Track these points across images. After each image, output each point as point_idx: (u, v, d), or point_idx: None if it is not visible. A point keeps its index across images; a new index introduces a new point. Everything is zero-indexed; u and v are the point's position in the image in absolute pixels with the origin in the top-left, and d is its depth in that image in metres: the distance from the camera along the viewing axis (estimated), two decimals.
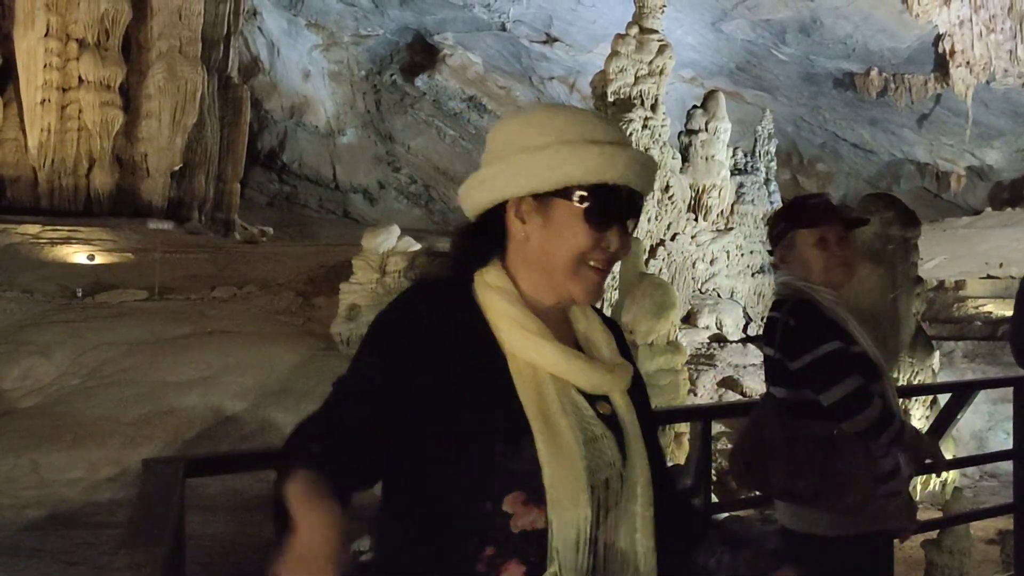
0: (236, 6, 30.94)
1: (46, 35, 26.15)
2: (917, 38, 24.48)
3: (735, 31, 27.36)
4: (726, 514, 7.76)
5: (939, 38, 24.18)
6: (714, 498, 8.46)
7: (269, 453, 2.91)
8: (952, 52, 24.12)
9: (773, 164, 24.74)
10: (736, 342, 20.45)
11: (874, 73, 26.98)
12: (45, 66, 26.20)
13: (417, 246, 20.29)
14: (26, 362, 15.99)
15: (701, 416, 4.25)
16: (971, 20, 23.14)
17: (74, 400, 14.91)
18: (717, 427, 16.07)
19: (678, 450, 12.40)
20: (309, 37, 34.98)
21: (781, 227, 3.02)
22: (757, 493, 3.22)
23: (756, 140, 24.76)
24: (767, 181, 24.15)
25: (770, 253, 3.15)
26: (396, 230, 19.80)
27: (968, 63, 24.09)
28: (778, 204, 24.01)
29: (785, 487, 2.87)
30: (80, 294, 19.12)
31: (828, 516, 2.77)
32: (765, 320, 3.09)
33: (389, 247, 19.31)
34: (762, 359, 3.23)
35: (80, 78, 26.73)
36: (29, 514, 11.66)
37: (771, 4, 25.22)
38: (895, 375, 7.07)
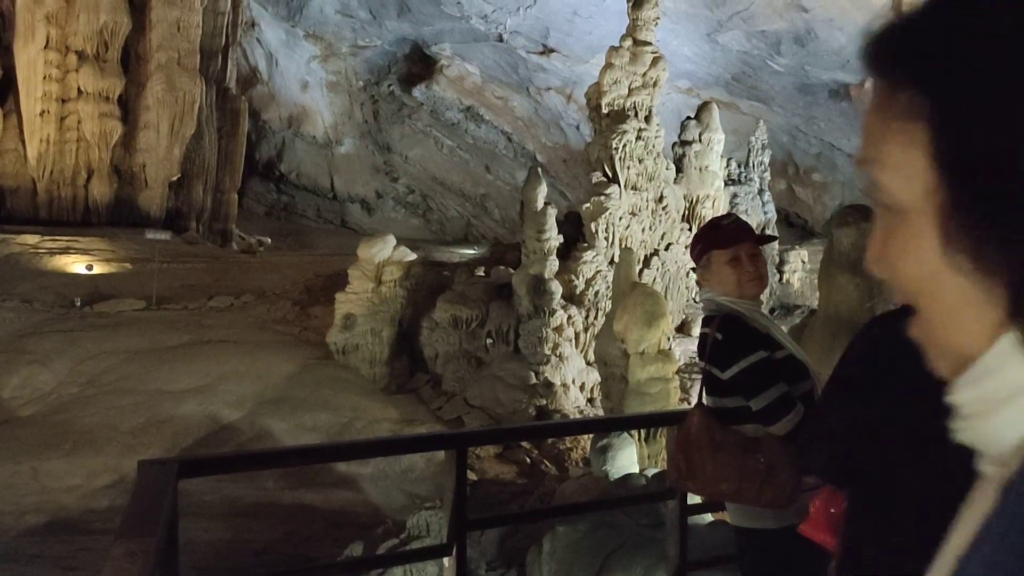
0: (235, 18, 31.10)
1: (46, 47, 26.29)
2: None
3: (730, 42, 27.51)
4: (710, 517, 7.87)
5: None
6: (696, 499, 8.62)
7: (260, 455, 3.05)
8: None
9: (767, 174, 24.89)
10: None
11: (869, 84, 27.15)
12: (45, 78, 26.35)
13: (413, 256, 20.39)
14: (25, 371, 16.11)
15: (681, 421, 4.37)
16: None
17: (73, 408, 15.03)
18: None
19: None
20: (307, 48, 35.12)
21: (698, 249, 3.26)
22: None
23: (750, 151, 24.91)
24: (761, 191, 24.31)
25: (693, 271, 3.37)
26: (392, 240, 19.90)
27: None
28: (772, 215, 24.17)
29: (711, 488, 3.09)
30: (78, 303, 19.23)
31: (771, 511, 2.97)
32: (699, 336, 3.28)
33: (385, 257, 19.41)
34: None
35: (79, 89, 26.87)
36: (28, 520, 11.77)
37: (766, 15, 25.36)
38: None
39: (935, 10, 0.71)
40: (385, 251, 19.52)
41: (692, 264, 3.37)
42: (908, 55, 0.71)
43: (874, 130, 0.77)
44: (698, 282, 3.39)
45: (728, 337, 3.08)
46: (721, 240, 3.19)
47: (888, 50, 0.73)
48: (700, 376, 3.32)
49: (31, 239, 22.59)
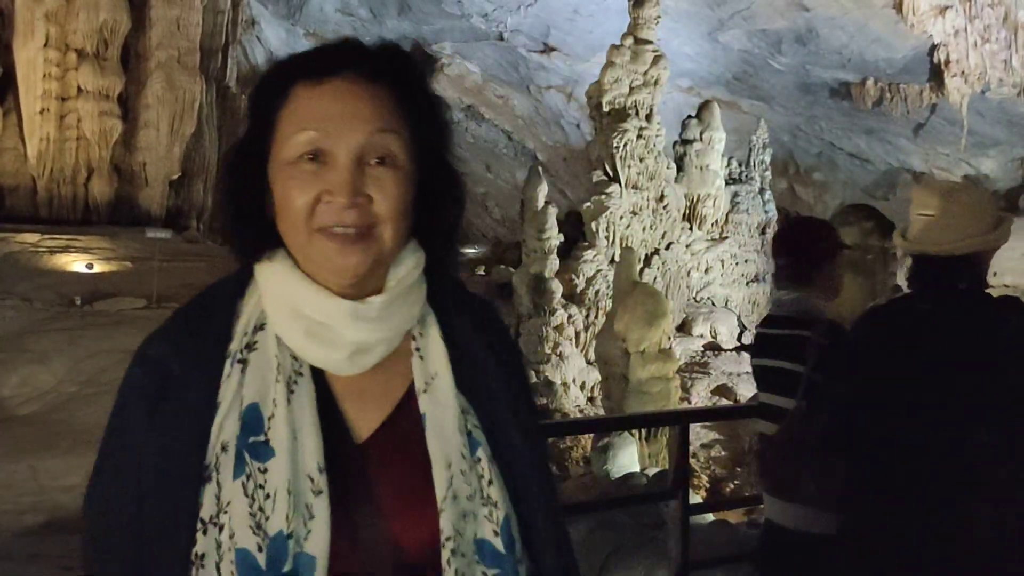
0: (235, 16, 31.09)
1: (45, 45, 26.26)
2: (912, 48, 24.57)
3: (731, 41, 27.47)
4: (711, 517, 7.85)
5: (934, 48, 24.26)
6: (697, 499, 8.56)
7: None
8: (947, 62, 24.22)
9: (768, 174, 24.86)
10: (730, 350, 20.55)
11: (870, 83, 27.08)
12: (44, 76, 26.32)
13: None
14: (24, 369, 16.08)
15: (679, 420, 4.35)
16: (966, 30, 23.23)
17: (72, 407, 15.00)
18: (711, 434, 16.22)
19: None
20: (307, 46, 35.02)
21: (822, 248, 3.18)
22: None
23: (751, 150, 24.88)
24: (762, 191, 24.29)
25: (786, 267, 3.32)
26: None
27: (963, 73, 24.18)
28: (773, 214, 24.14)
29: (805, 491, 3.04)
30: (78, 302, 19.21)
31: (829, 515, 2.89)
32: (786, 337, 3.23)
33: None
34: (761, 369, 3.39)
35: (79, 88, 26.84)
36: (27, 519, 11.74)
37: (767, 14, 25.32)
38: None
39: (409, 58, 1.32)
40: None
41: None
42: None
43: (393, 113, 1.24)
44: (785, 280, 3.35)
45: (836, 344, 3.03)
46: (839, 247, 3.17)
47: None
48: (770, 376, 3.28)
49: (31, 237, 22.56)
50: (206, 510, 1.14)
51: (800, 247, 3.24)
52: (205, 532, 1.14)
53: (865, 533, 2.75)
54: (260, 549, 1.11)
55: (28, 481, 12.65)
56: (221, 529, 1.13)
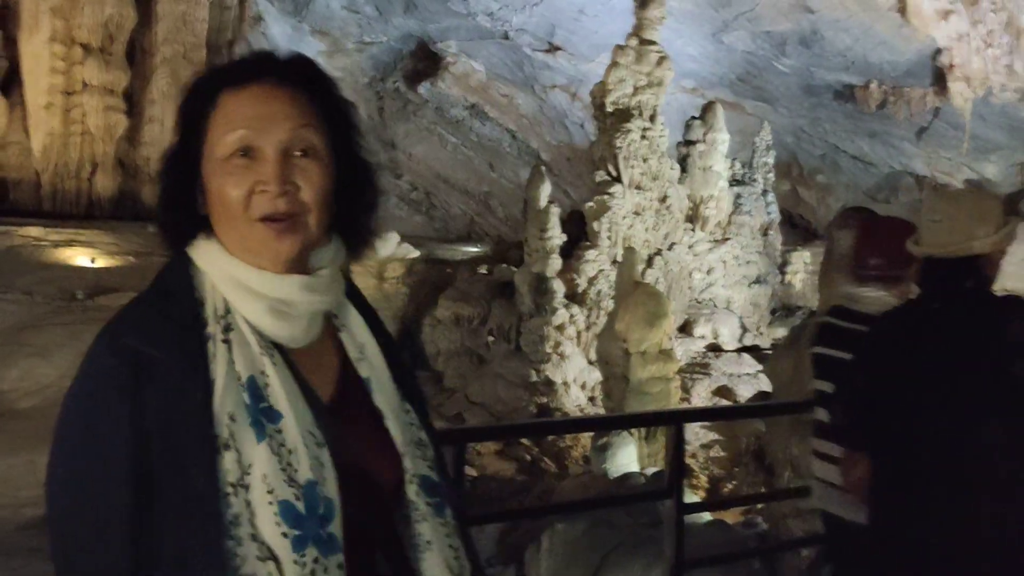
0: (241, 12, 31.10)
1: (51, 39, 26.28)
2: (916, 52, 24.55)
3: (736, 42, 27.46)
4: (708, 516, 7.87)
5: (938, 52, 24.26)
6: (694, 498, 8.58)
7: None
8: (951, 66, 24.20)
9: (771, 175, 24.89)
10: (732, 352, 20.58)
11: (873, 86, 27.07)
12: (50, 70, 26.34)
13: (416, 253, 20.45)
14: (25, 363, 16.13)
15: (674, 420, 4.38)
16: (969, 35, 23.21)
17: None
18: (710, 435, 16.25)
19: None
20: (313, 44, 35.09)
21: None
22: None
23: (754, 152, 24.92)
24: (764, 192, 24.32)
25: (878, 267, 3.49)
26: (395, 237, 19.96)
27: (966, 77, 24.17)
28: (775, 215, 24.18)
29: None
30: (81, 296, 19.23)
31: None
32: (853, 329, 3.37)
33: (388, 254, 19.47)
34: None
35: (84, 82, 26.86)
36: (26, 513, 11.80)
37: (771, 16, 25.32)
38: None
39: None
40: (388, 248, 19.57)
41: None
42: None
43: (310, 112, 1.41)
44: (875, 280, 3.45)
45: None
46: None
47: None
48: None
49: (34, 231, 22.58)
50: (231, 476, 1.26)
51: (894, 248, 3.31)
52: (236, 495, 1.27)
53: (882, 528, 2.87)
54: (298, 498, 1.28)
55: (27, 475, 12.69)
56: (248, 489, 1.27)
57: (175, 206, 1.44)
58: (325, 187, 1.41)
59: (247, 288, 1.39)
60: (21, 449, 13.29)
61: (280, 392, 1.34)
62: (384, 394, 1.48)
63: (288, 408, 1.33)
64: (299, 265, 1.41)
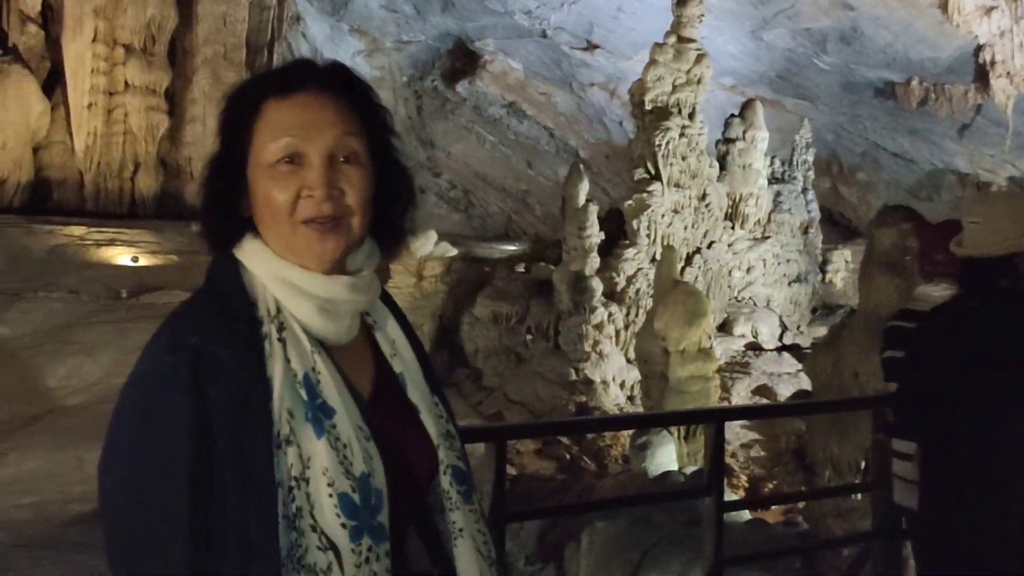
0: (280, 12, 31.28)
1: (94, 40, 26.56)
2: (957, 48, 24.33)
3: (775, 40, 27.31)
4: (748, 515, 7.86)
5: (979, 48, 24.03)
6: (733, 496, 8.57)
7: None
8: (992, 63, 23.95)
9: (811, 173, 24.72)
10: (772, 351, 20.48)
11: (914, 83, 26.84)
12: (92, 71, 26.62)
13: (454, 251, 20.48)
14: (72, 361, 16.32)
15: (715, 418, 4.39)
16: (1012, 31, 22.98)
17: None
18: (750, 434, 16.19)
19: None
20: (352, 43, 35.21)
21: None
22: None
23: (794, 149, 24.76)
24: (804, 190, 24.16)
25: (943, 264, 3.59)
26: (433, 235, 20.00)
27: (1008, 74, 23.92)
28: (815, 213, 24.02)
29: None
30: (125, 295, 19.41)
31: None
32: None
33: (426, 252, 19.52)
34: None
35: (126, 83, 27.15)
36: (73, 508, 11.92)
37: (811, 13, 25.17)
38: None
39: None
40: (426, 246, 19.62)
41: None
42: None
43: (352, 119, 1.47)
44: (941, 276, 3.60)
45: None
46: None
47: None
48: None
49: (78, 231, 22.82)
50: (295, 470, 1.32)
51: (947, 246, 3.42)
52: (299, 488, 1.33)
53: (927, 522, 2.99)
54: (354, 490, 1.35)
55: (75, 471, 12.84)
56: (308, 483, 1.33)
57: (220, 210, 1.50)
58: (367, 191, 1.47)
59: (296, 288, 1.44)
60: (69, 445, 13.45)
61: (332, 388, 1.40)
62: (417, 389, 1.55)
63: (340, 403, 1.40)
64: (339, 266, 1.47)
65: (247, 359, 1.37)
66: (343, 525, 1.33)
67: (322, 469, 1.34)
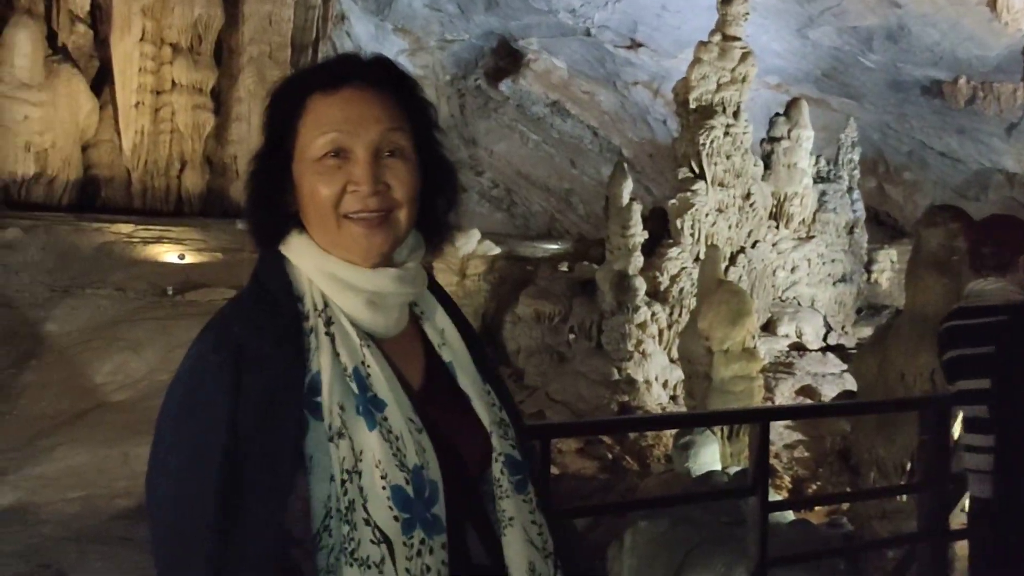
0: (325, 12, 31.43)
1: (141, 39, 26.82)
2: (1006, 46, 24.06)
3: (821, 38, 27.14)
4: (791, 515, 7.82)
5: None
6: (777, 497, 8.53)
7: None
8: None
9: (856, 172, 24.53)
10: (816, 351, 20.35)
11: (962, 81, 26.58)
12: (140, 70, 26.88)
13: (497, 250, 20.50)
14: (118, 357, 16.49)
15: (760, 418, 4.37)
16: None
17: (162, 395, 15.32)
18: (794, 435, 16.10)
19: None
20: (396, 42, 35.33)
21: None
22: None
23: (839, 148, 24.58)
24: (850, 190, 23.99)
25: (992, 256, 3.60)
26: (476, 234, 20.03)
27: None
28: (861, 213, 23.84)
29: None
30: (170, 292, 19.58)
31: None
32: (983, 324, 3.56)
33: (469, 251, 19.55)
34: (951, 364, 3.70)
35: (173, 82, 27.39)
36: (119, 504, 12.05)
37: (858, 11, 24.98)
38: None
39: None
40: (469, 245, 19.66)
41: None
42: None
43: (397, 114, 1.48)
44: (990, 268, 3.60)
45: None
46: None
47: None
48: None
49: (125, 228, 23.04)
50: (347, 463, 1.33)
51: (1002, 235, 3.48)
52: (351, 481, 1.34)
53: (997, 509, 3.08)
54: (407, 482, 1.35)
55: (121, 466, 12.97)
56: (360, 476, 1.34)
57: (266, 205, 1.51)
58: (413, 186, 1.48)
59: (344, 282, 1.46)
60: (115, 441, 13.59)
61: (381, 381, 1.41)
62: (467, 377, 1.55)
63: (390, 396, 1.41)
64: (385, 260, 1.48)
65: (288, 355, 1.39)
66: (395, 518, 1.34)
67: (375, 462, 1.35)
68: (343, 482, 1.34)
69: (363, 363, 1.42)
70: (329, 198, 1.44)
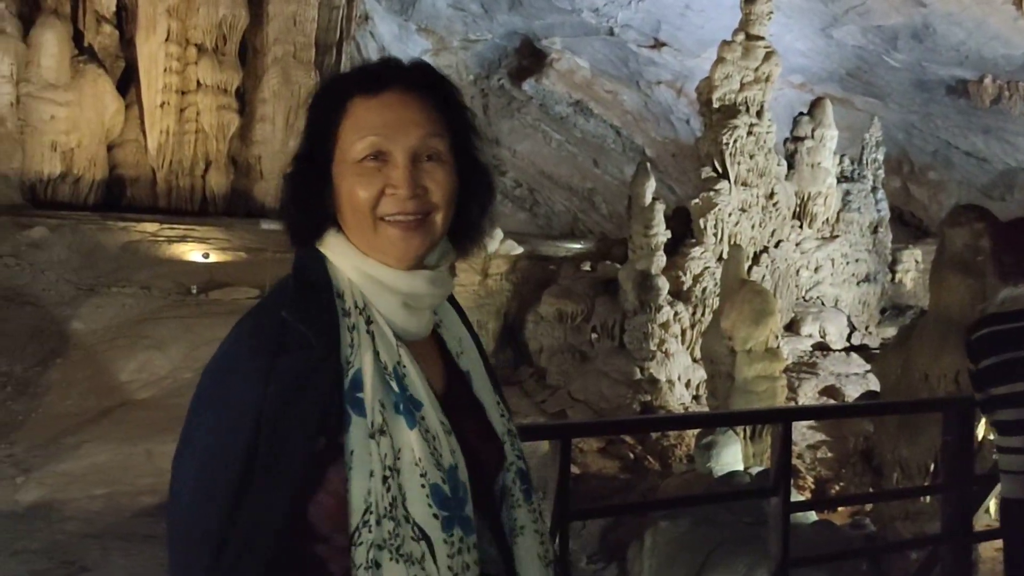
0: (349, 12, 31.50)
1: (167, 40, 26.96)
2: None
3: (845, 37, 27.03)
4: (814, 516, 7.80)
5: None
6: (799, 497, 8.49)
7: None
8: None
9: (880, 172, 24.40)
10: (840, 351, 20.26)
11: (988, 80, 26.43)
12: (165, 70, 27.02)
13: (519, 249, 20.51)
14: (143, 355, 16.59)
15: (782, 418, 4.37)
16: None
17: (187, 393, 15.17)
18: (817, 435, 16.04)
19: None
20: (419, 42, 35.40)
21: None
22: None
23: (863, 148, 24.46)
24: (874, 189, 23.86)
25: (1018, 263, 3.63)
26: (499, 233, 20.04)
27: None
28: (885, 213, 23.72)
29: None
30: (195, 291, 19.67)
31: None
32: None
33: (491, 250, 19.56)
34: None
35: (198, 82, 27.53)
36: (143, 501, 12.12)
37: (883, 10, 24.86)
38: None
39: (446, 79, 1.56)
40: (492, 244, 19.68)
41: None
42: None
43: (437, 119, 1.50)
44: (1018, 275, 3.72)
45: None
46: None
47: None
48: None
49: (150, 227, 23.17)
50: (388, 460, 1.36)
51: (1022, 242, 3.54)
52: (393, 479, 1.37)
53: None
54: (444, 481, 1.39)
55: (145, 464, 13.05)
56: (399, 473, 1.37)
57: (305, 204, 1.52)
58: (450, 189, 1.50)
59: (381, 283, 1.48)
60: (139, 439, 13.68)
61: (417, 382, 1.45)
62: (483, 387, 1.59)
63: (426, 397, 1.44)
64: (418, 263, 1.50)
65: (327, 344, 1.41)
66: (435, 516, 1.37)
67: (415, 460, 1.39)
68: (385, 478, 1.36)
69: (399, 363, 1.45)
70: (367, 200, 1.46)
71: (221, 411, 1.39)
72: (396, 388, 1.42)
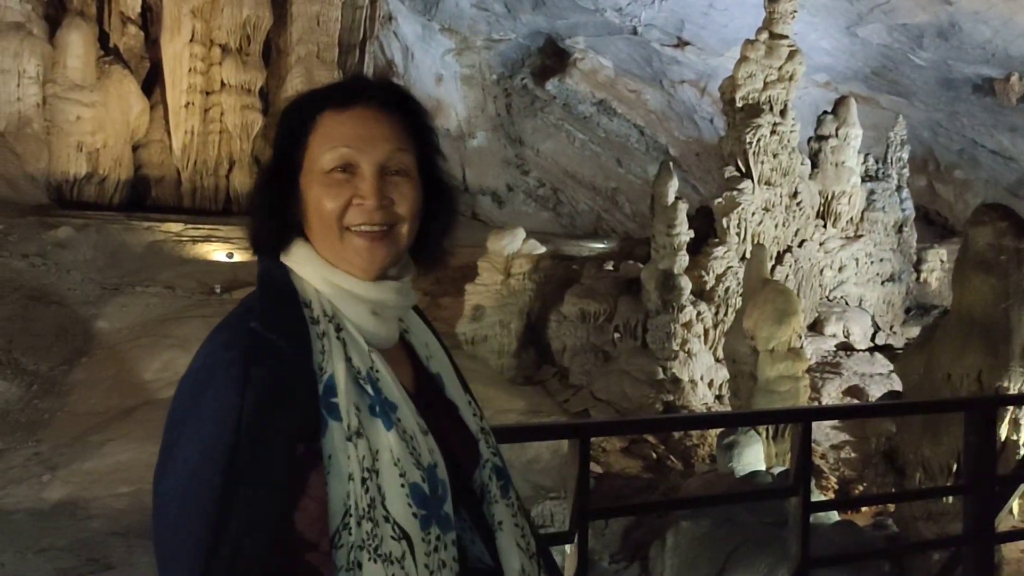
0: (372, 12, 31.62)
1: (191, 40, 27.14)
2: None
3: (870, 35, 26.92)
4: (836, 516, 7.77)
5: None
6: (822, 497, 8.49)
7: None
8: None
9: (905, 171, 24.28)
10: (864, 351, 20.18)
11: (1014, 78, 26.25)
12: (190, 70, 27.22)
13: (542, 249, 20.49)
14: (166, 355, 16.66)
15: (802, 417, 4.35)
16: None
17: None
18: (841, 435, 15.99)
19: None
20: (442, 42, 35.47)
21: None
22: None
23: (888, 146, 24.35)
24: (899, 188, 23.74)
25: None
26: (521, 233, 20.03)
27: None
28: (910, 212, 23.60)
29: None
30: (219, 290, 19.77)
31: None
32: None
33: (514, 250, 19.55)
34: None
35: (222, 82, 27.70)
36: None
37: (908, 8, 24.75)
38: (1006, 384, 7.03)
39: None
40: (514, 244, 19.66)
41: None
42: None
43: (404, 136, 1.54)
44: None
45: None
46: None
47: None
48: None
49: (175, 227, 23.31)
50: (366, 462, 1.38)
51: None
52: (372, 480, 1.39)
53: None
54: (424, 480, 1.42)
55: None
56: (378, 474, 1.40)
57: (271, 214, 1.56)
58: (415, 204, 1.55)
59: (348, 292, 1.52)
60: (161, 438, 13.73)
61: (391, 384, 1.48)
62: (454, 388, 1.64)
63: (400, 399, 1.48)
64: (383, 274, 1.54)
65: (298, 351, 1.43)
66: (414, 514, 1.40)
67: (393, 460, 1.41)
68: (363, 480, 1.39)
69: (372, 368, 1.48)
70: (334, 210, 1.49)
71: (200, 424, 1.39)
72: (371, 391, 1.45)
